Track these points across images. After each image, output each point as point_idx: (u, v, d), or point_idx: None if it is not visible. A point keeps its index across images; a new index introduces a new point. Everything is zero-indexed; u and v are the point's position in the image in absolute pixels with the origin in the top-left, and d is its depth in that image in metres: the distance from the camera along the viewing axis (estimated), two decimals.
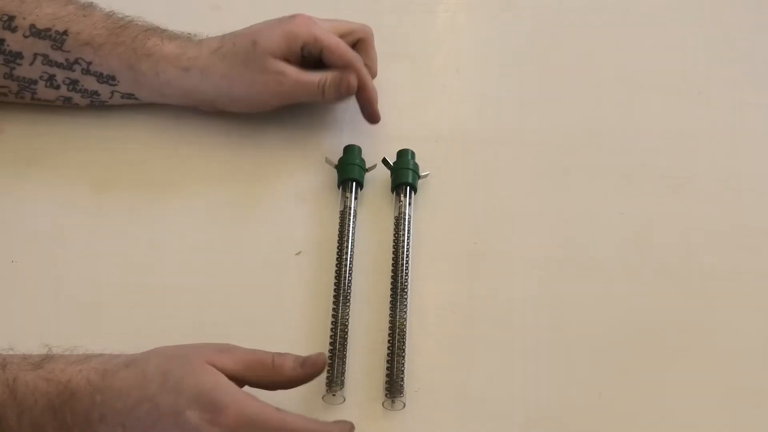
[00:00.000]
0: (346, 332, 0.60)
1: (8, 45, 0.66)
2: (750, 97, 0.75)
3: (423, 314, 0.62)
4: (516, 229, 0.66)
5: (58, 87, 0.68)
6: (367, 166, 0.68)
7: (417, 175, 0.67)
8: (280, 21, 0.67)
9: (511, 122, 0.73)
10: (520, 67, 0.77)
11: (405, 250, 0.63)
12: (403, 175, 0.67)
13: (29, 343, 0.54)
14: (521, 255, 0.65)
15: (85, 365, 0.52)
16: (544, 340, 0.61)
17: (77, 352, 0.54)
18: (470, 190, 0.69)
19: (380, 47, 0.71)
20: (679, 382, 0.60)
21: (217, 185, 0.69)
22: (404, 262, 0.63)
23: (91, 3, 0.68)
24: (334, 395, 0.57)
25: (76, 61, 0.66)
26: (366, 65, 0.68)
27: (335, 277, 0.62)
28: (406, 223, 0.65)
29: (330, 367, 0.58)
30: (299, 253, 0.65)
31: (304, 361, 0.54)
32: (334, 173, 0.67)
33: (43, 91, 0.68)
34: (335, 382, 0.57)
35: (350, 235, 0.64)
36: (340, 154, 0.68)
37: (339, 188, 0.67)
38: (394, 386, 0.57)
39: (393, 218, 0.66)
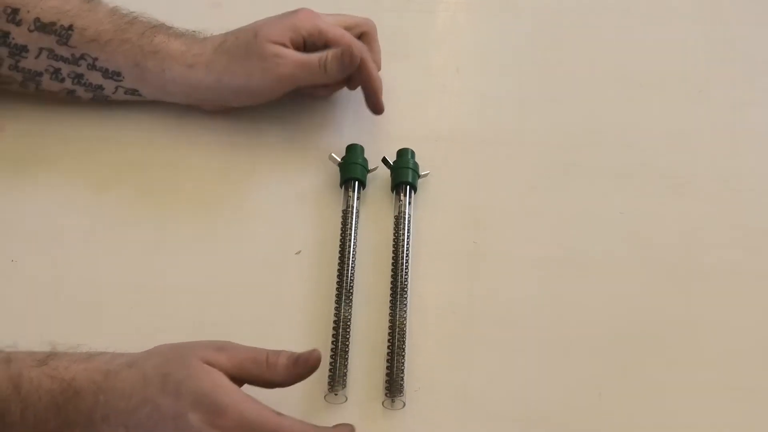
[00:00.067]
0: (348, 332, 0.60)
1: (13, 38, 0.65)
2: (750, 96, 0.75)
3: (423, 314, 0.62)
4: (516, 229, 0.66)
5: (63, 80, 0.68)
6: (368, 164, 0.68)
7: (417, 175, 0.67)
8: (284, 15, 0.68)
9: (511, 121, 0.73)
10: (520, 66, 0.77)
11: (405, 249, 0.63)
12: (403, 174, 0.67)
13: (29, 343, 0.54)
14: (521, 254, 0.65)
15: (89, 364, 0.52)
16: (544, 339, 0.61)
17: (80, 350, 0.54)
18: (470, 190, 0.69)
19: (381, 46, 0.71)
20: (679, 381, 0.60)
21: (217, 185, 0.69)
22: (404, 261, 0.63)
23: None
24: (336, 395, 0.57)
25: (81, 57, 0.66)
26: None
27: (337, 276, 0.62)
28: (406, 222, 0.65)
29: (332, 367, 0.58)
30: (299, 252, 0.65)
31: (297, 359, 0.54)
32: (335, 173, 0.67)
33: (47, 83, 0.68)
34: (337, 382, 0.57)
35: (352, 234, 0.64)
36: (341, 153, 0.68)
37: (341, 187, 0.67)
38: (394, 385, 0.57)
39: (393, 217, 0.66)
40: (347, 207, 0.65)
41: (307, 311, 0.62)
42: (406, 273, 0.62)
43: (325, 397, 0.58)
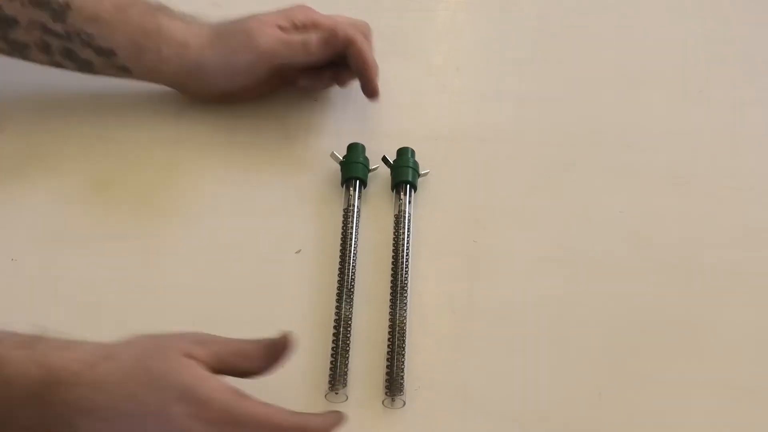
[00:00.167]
0: (349, 331, 0.60)
1: (2, 8, 0.64)
2: (750, 96, 0.75)
3: (423, 312, 0.62)
4: (516, 228, 0.66)
5: (51, 54, 0.67)
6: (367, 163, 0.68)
7: (417, 174, 0.67)
8: (280, 8, 0.68)
9: (510, 121, 0.73)
10: (520, 65, 0.77)
11: (405, 248, 0.63)
12: (403, 173, 0.67)
13: None
14: (521, 253, 0.65)
15: (71, 354, 0.51)
16: (544, 338, 0.61)
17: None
18: (470, 189, 0.69)
19: (380, 46, 0.71)
20: (680, 380, 0.60)
21: (218, 184, 0.69)
22: (404, 260, 0.63)
23: None
24: (336, 393, 0.57)
25: (76, 34, 0.65)
26: None
27: (338, 275, 0.62)
28: (406, 221, 0.65)
29: (332, 366, 0.58)
30: (299, 251, 0.65)
31: (268, 347, 0.54)
32: (336, 171, 0.67)
33: (35, 56, 0.67)
34: (338, 381, 0.57)
35: (354, 233, 0.64)
36: (342, 151, 0.68)
37: (342, 186, 0.67)
38: (394, 384, 0.57)
39: (393, 216, 0.66)
40: (348, 206, 0.65)
41: (308, 310, 0.62)
42: (406, 272, 0.62)
43: (325, 396, 0.58)
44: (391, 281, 0.62)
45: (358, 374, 0.59)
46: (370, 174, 0.68)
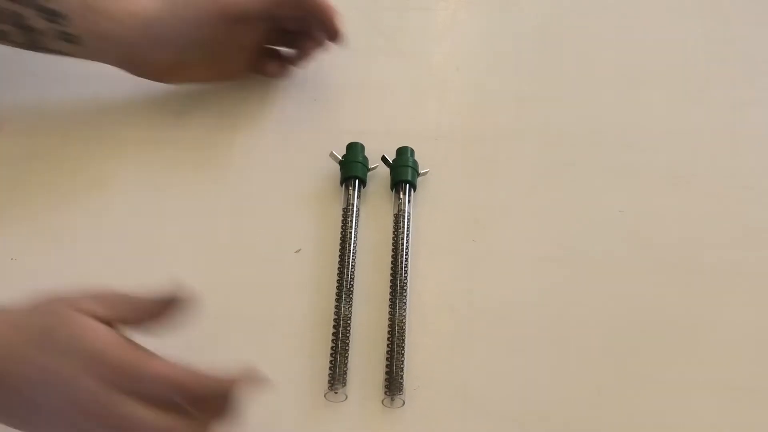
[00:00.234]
0: (348, 330, 0.60)
1: None
2: (750, 96, 0.75)
3: (422, 312, 0.62)
4: (515, 227, 0.66)
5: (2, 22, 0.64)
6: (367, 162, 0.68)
7: (416, 173, 0.67)
8: None
9: (510, 120, 0.73)
10: (519, 64, 0.77)
11: (404, 247, 0.63)
12: (403, 172, 0.67)
13: None
14: (520, 252, 0.65)
15: None
16: (543, 337, 0.61)
17: None
18: (470, 188, 0.69)
19: (380, 44, 0.71)
20: (679, 380, 0.60)
21: (217, 183, 0.69)
22: (404, 259, 0.63)
23: None
24: (336, 393, 0.57)
25: None
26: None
27: (338, 274, 0.62)
28: (406, 220, 0.65)
29: (332, 365, 0.58)
30: (299, 250, 0.65)
31: (158, 298, 0.51)
32: (335, 171, 0.67)
33: None
34: (337, 380, 0.57)
35: (353, 232, 0.64)
36: (341, 151, 0.68)
37: (342, 186, 0.67)
38: (393, 384, 0.57)
39: (392, 216, 0.66)
40: (348, 205, 0.65)
41: (307, 309, 0.62)
42: (406, 271, 0.62)
43: (325, 395, 0.58)
44: (391, 281, 0.62)
45: (357, 373, 0.59)
46: (369, 173, 0.68)
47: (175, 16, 0.65)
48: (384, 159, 0.68)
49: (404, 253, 0.63)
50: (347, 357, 0.59)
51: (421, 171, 0.68)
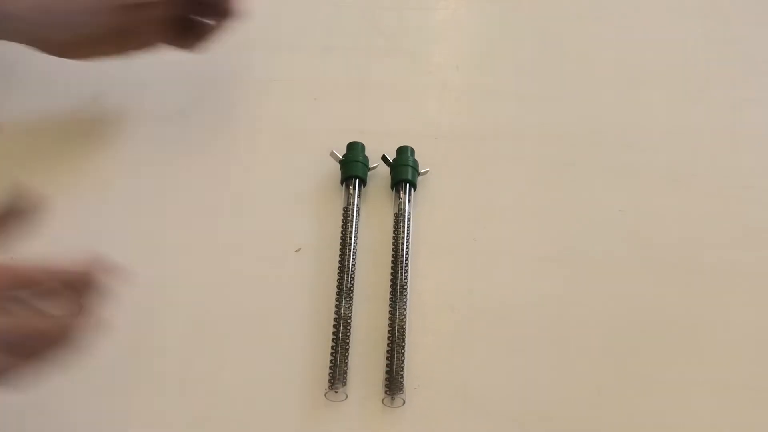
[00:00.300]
0: (349, 329, 0.60)
1: None
2: (750, 96, 0.75)
3: (423, 311, 0.62)
4: (515, 226, 0.66)
5: None
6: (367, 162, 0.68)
7: (416, 172, 0.67)
8: None
9: (510, 119, 0.73)
10: (519, 63, 0.77)
11: (405, 247, 0.63)
12: (403, 172, 0.67)
13: None
14: (521, 252, 0.65)
15: None
16: (543, 337, 0.61)
17: None
18: (470, 187, 0.68)
19: (380, 44, 0.71)
20: (680, 380, 0.60)
21: (217, 183, 0.68)
22: (404, 259, 0.63)
23: None
24: (336, 392, 0.57)
25: None
26: None
27: (338, 274, 0.62)
28: (406, 220, 0.65)
29: (332, 364, 0.58)
30: (299, 250, 0.65)
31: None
32: (335, 170, 0.67)
33: None
34: (338, 379, 0.57)
35: (353, 232, 0.64)
36: (341, 150, 0.68)
37: (342, 185, 0.67)
38: (393, 383, 0.57)
39: (393, 215, 0.66)
40: (348, 204, 0.65)
41: (308, 309, 0.62)
42: (406, 271, 0.62)
43: (325, 394, 0.58)
44: (391, 280, 0.62)
45: (357, 373, 0.59)
46: (369, 173, 0.68)
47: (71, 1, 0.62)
48: (384, 158, 0.68)
49: (404, 253, 0.63)
50: (347, 356, 0.59)
51: (421, 170, 0.68)
